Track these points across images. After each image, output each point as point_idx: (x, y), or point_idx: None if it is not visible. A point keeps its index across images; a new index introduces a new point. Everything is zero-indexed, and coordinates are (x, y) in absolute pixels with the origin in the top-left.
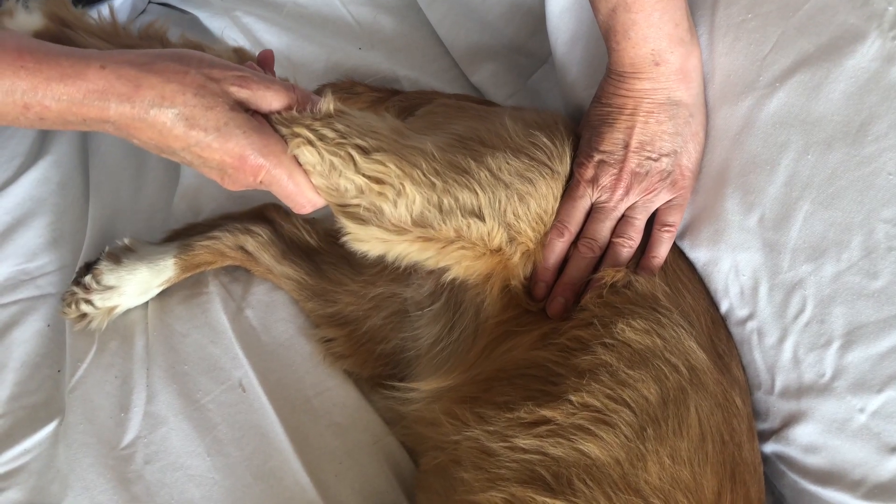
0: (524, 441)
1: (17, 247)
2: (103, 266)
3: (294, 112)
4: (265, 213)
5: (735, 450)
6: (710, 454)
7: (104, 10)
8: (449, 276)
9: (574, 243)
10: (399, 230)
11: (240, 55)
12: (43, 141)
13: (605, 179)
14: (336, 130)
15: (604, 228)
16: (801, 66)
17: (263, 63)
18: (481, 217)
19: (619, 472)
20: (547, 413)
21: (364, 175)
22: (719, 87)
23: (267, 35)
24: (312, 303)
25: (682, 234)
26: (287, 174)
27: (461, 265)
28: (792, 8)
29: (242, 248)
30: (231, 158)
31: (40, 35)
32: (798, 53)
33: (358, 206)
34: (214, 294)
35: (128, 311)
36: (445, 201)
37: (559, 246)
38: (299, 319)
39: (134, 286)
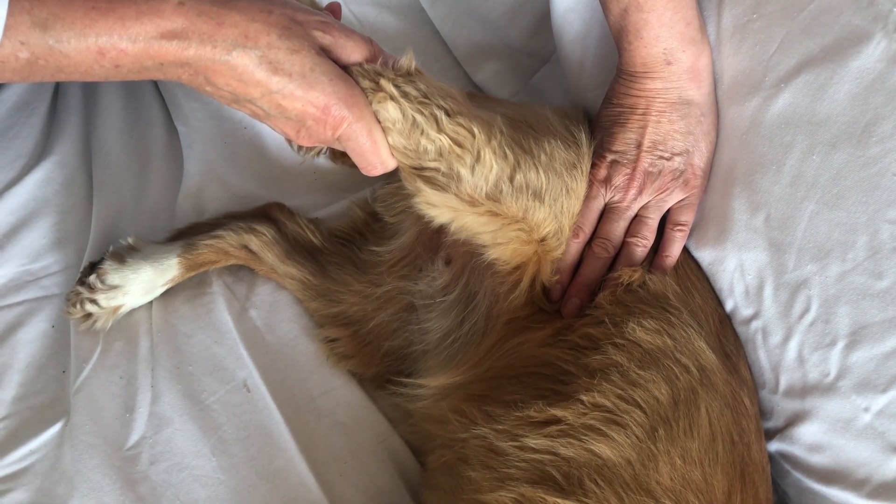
0: (534, 440)
1: (21, 247)
2: (108, 265)
3: (377, 65)
4: (269, 212)
5: (744, 450)
6: (720, 454)
7: None
8: (490, 255)
9: (588, 244)
10: (472, 202)
11: (312, 3)
12: (46, 141)
13: (618, 179)
14: (418, 89)
15: (618, 228)
16: (806, 66)
17: (333, 13)
18: (542, 201)
19: (631, 472)
20: (557, 412)
21: (447, 134)
22: (728, 87)
23: None
24: (316, 303)
25: (688, 234)
26: (366, 130)
27: (509, 247)
28: (796, 8)
29: (246, 248)
30: (314, 108)
31: None
32: (803, 54)
33: (436, 169)
34: (218, 294)
35: (132, 312)
36: (518, 177)
37: (574, 247)
38: (303, 319)
39: (138, 285)
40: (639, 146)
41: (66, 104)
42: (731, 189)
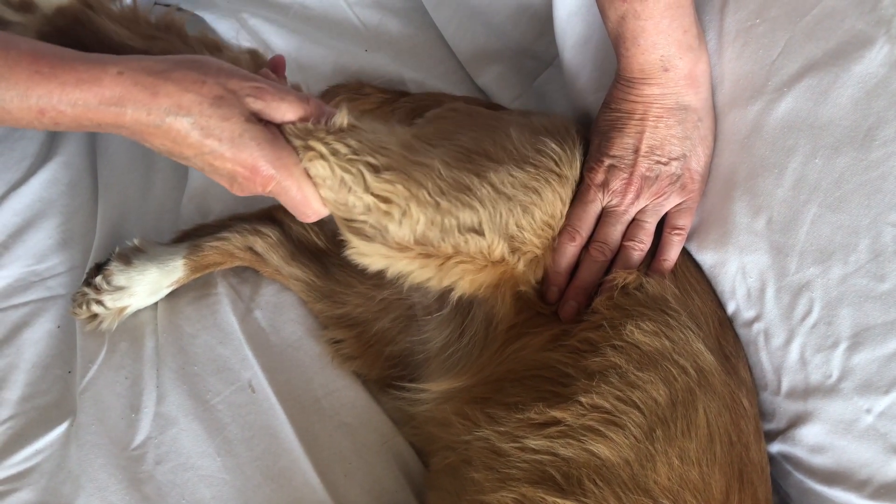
0: (534, 442)
1: (27, 248)
2: (114, 267)
3: (308, 124)
4: (274, 214)
5: (742, 450)
6: (718, 455)
7: None
8: (455, 293)
9: (585, 247)
10: (401, 248)
11: (254, 58)
12: (52, 143)
13: (616, 184)
14: (348, 146)
15: (615, 232)
16: (809, 71)
17: (275, 68)
18: (481, 232)
19: (629, 472)
20: (557, 414)
21: (373, 194)
22: (728, 92)
23: (274, 37)
24: (321, 304)
25: (689, 237)
26: (296, 185)
27: (465, 280)
28: (800, 13)
29: (251, 249)
30: (243, 169)
31: (63, 12)
32: (806, 58)
33: (364, 222)
34: (223, 295)
35: (137, 312)
36: (446, 221)
37: (571, 250)
38: (308, 321)
39: (144, 287)
40: (636, 151)
41: None
42: (732, 192)
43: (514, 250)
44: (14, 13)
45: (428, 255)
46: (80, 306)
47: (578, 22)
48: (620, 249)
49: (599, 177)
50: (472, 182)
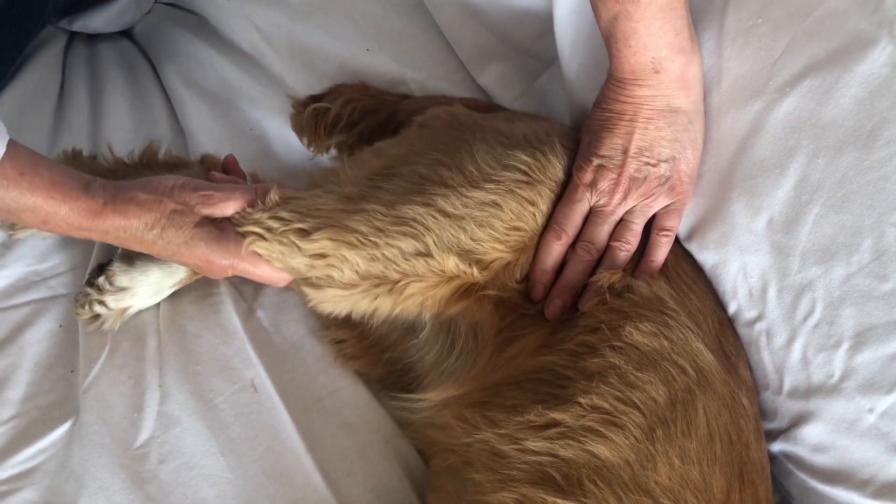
0: (534, 443)
1: (28, 248)
2: (116, 267)
3: (247, 210)
4: None
5: (743, 449)
6: (718, 454)
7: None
8: (426, 314)
9: (572, 246)
10: (350, 286)
11: (205, 164)
12: (53, 141)
13: (604, 184)
14: (280, 219)
15: (602, 232)
16: (811, 71)
17: (227, 167)
18: (428, 255)
19: (630, 472)
20: (557, 416)
21: (307, 255)
22: (727, 91)
23: (275, 37)
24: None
25: (690, 237)
26: (251, 265)
27: (426, 298)
28: (802, 13)
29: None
30: (201, 262)
31: None
32: (808, 58)
33: (311, 277)
34: (226, 295)
35: (140, 312)
36: (387, 252)
37: (557, 249)
38: (310, 320)
39: (146, 287)
40: (625, 152)
41: (72, 104)
42: (730, 192)
43: (471, 262)
44: None
45: (377, 285)
46: (82, 306)
47: (577, 21)
48: (607, 249)
49: (588, 176)
50: (417, 213)
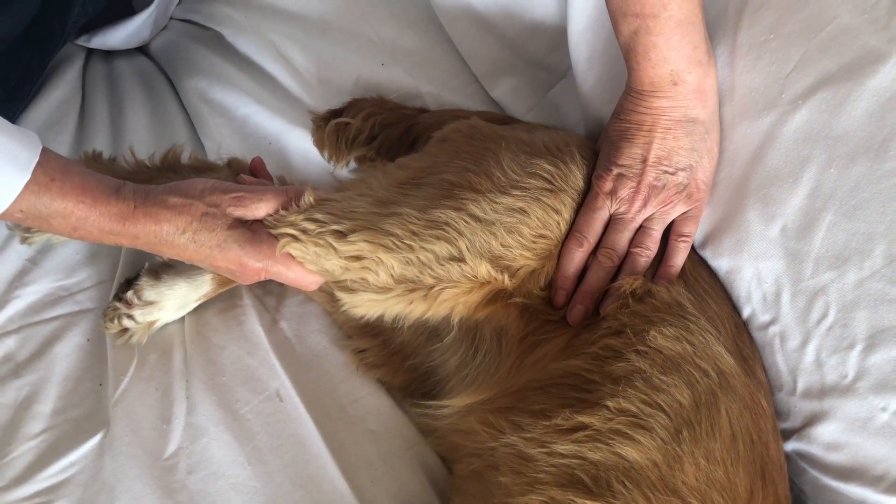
0: (562, 446)
1: (55, 263)
2: (144, 282)
3: (281, 212)
4: None
5: (763, 449)
6: (741, 454)
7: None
8: (455, 318)
9: (593, 253)
10: (384, 290)
11: (233, 167)
12: (76, 157)
13: (624, 192)
14: (316, 220)
15: (622, 239)
16: (823, 84)
17: (255, 170)
18: (461, 260)
19: (657, 473)
20: (584, 419)
21: (343, 257)
22: (740, 103)
23: (292, 52)
24: (345, 314)
25: (704, 244)
26: (285, 267)
27: (458, 304)
28: (814, 29)
29: None
30: (234, 266)
31: None
32: (821, 72)
33: (346, 280)
34: (249, 307)
35: (165, 326)
36: (422, 256)
37: (578, 255)
38: (332, 330)
39: (173, 301)
40: (644, 161)
41: (93, 122)
42: (744, 201)
43: (501, 268)
44: None
45: (412, 290)
46: (111, 321)
47: (591, 36)
48: (627, 255)
49: (608, 185)
50: (450, 217)
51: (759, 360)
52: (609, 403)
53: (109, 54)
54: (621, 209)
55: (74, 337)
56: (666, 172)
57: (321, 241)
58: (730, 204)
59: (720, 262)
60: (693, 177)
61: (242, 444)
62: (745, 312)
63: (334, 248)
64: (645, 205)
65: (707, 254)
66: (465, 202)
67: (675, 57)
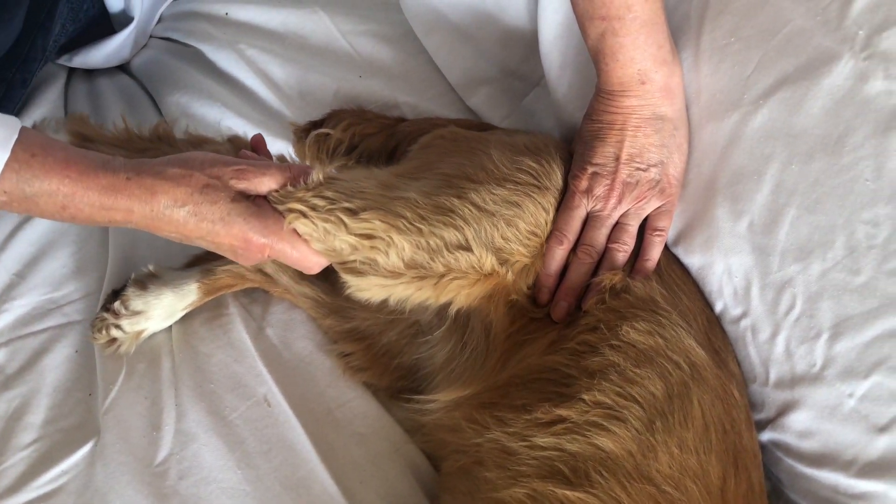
0: (542, 439)
1: (42, 277)
2: (131, 292)
3: (288, 188)
4: None
5: (736, 438)
6: (713, 443)
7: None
8: (453, 308)
9: (573, 250)
10: (394, 275)
11: (234, 143)
12: None
13: (599, 190)
14: (325, 198)
15: (600, 235)
16: (782, 84)
17: (256, 147)
18: (468, 248)
19: (633, 462)
20: (562, 412)
21: (355, 234)
22: (705, 105)
23: (271, 66)
24: (330, 320)
25: (676, 242)
26: (290, 245)
27: (461, 294)
28: (771, 32)
29: (261, 271)
30: (238, 242)
31: None
32: (779, 73)
33: (354, 261)
34: (235, 315)
35: (153, 335)
36: (432, 242)
37: (559, 253)
38: (318, 336)
39: (160, 310)
40: (617, 159)
41: None
42: (714, 199)
43: (502, 261)
44: None
45: (422, 277)
46: (99, 331)
47: (562, 44)
48: (606, 251)
49: (583, 184)
50: (454, 204)
51: (732, 353)
52: (585, 397)
53: (91, 72)
54: (598, 206)
55: (63, 349)
56: (639, 169)
57: (331, 218)
58: (700, 202)
59: (692, 259)
60: (665, 172)
61: (232, 449)
62: (718, 307)
63: (345, 225)
64: (620, 201)
65: (679, 251)
66: (466, 191)
67: (641, 56)
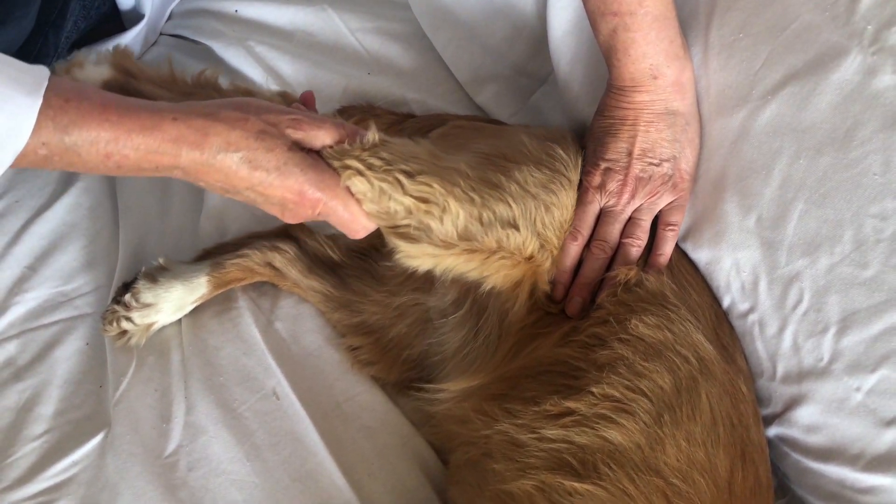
0: (551, 431)
1: (54, 270)
2: (141, 285)
3: (344, 145)
4: (290, 231)
5: (744, 432)
6: (721, 436)
7: (162, 64)
8: (486, 286)
9: (587, 246)
10: (447, 245)
11: (285, 98)
12: (68, 176)
13: (612, 185)
14: (382, 159)
15: (613, 230)
16: (790, 80)
17: (306, 103)
18: (517, 227)
19: (641, 455)
20: (571, 405)
21: (411, 196)
22: (715, 100)
23: (280, 63)
24: (338, 313)
25: (684, 237)
26: (342, 204)
27: (500, 274)
28: (780, 28)
29: (270, 265)
30: (291, 194)
31: (108, 85)
32: (787, 69)
33: (408, 225)
34: (244, 308)
35: (163, 328)
36: (485, 215)
37: (574, 249)
38: (326, 330)
39: (170, 303)
40: (630, 154)
41: None
42: (723, 194)
43: (541, 247)
44: None
45: (472, 251)
46: (110, 323)
47: (572, 41)
48: (619, 246)
49: (596, 179)
50: (500, 180)
51: (740, 348)
52: (594, 389)
53: None
54: (611, 202)
55: (74, 341)
56: (651, 164)
57: (388, 178)
58: (709, 198)
59: (700, 254)
60: (677, 167)
61: (241, 441)
62: (726, 302)
63: (402, 186)
64: (633, 196)
65: (688, 246)
66: (509, 168)
67: (653, 51)
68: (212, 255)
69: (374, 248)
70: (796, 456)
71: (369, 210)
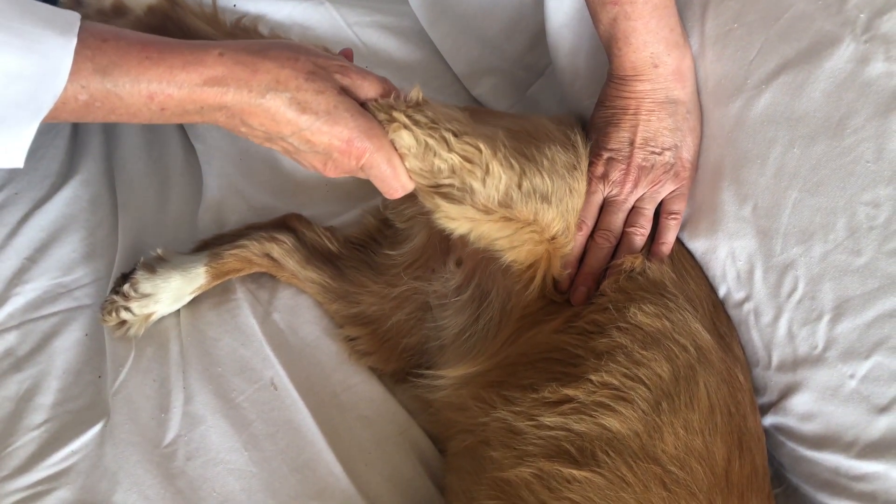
0: (549, 419)
1: (53, 261)
2: (139, 275)
3: (390, 99)
4: (288, 222)
5: (741, 420)
6: (719, 425)
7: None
8: (506, 259)
9: (591, 236)
10: (486, 210)
11: (326, 51)
12: (72, 161)
13: (615, 175)
14: (427, 116)
15: (617, 220)
16: (784, 68)
17: (346, 58)
18: (549, 202)
19: (639, 443)
20: (570, 392)
21: (458, 153)
22: (712, 90)
23: None
24: (336, 304)
25: (682, 227)
26: (386, 158)
27: (524, 248)
28: (773, 17)
29: (269, 256)
30: (339, 142)
31: (153, 11)
32: (781, 58)
33: (450, 185)
34: (242, 300)
35: (161, 319)
36: (525, 183)
37: (579, 239)
38: (324, 321)
39: (168, 294)
40: (632, 143)
41: (87, 127)
42: (719, 183)
43: (566, 229)
44: (109, 19)
45: (509, 219)
46: (108, 314)
47: (570, 32)
48: (623, 235)
49: (599, 169)
50: (533, 153)
51: (736, 338)
52: (592, 377)
53: None
54: (614, 191)
55: (73, 332)
56: (653, 153)
57: (435, 135)
58: (706, 187)
59: (696, 244)
60: (679, 156)
61: (239, 431)
62: (722, 291)
63: (447, 143)
64: (636, 186)
65: (684, 236)
66: (540, 144)
67: (654, 40)
68: (210, 245)
69: (373, 239)
70: (791, 444)
71: (411, 167)
